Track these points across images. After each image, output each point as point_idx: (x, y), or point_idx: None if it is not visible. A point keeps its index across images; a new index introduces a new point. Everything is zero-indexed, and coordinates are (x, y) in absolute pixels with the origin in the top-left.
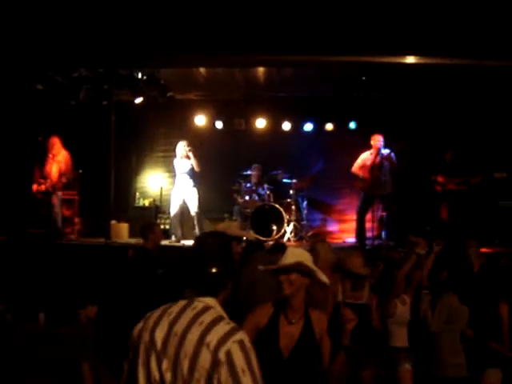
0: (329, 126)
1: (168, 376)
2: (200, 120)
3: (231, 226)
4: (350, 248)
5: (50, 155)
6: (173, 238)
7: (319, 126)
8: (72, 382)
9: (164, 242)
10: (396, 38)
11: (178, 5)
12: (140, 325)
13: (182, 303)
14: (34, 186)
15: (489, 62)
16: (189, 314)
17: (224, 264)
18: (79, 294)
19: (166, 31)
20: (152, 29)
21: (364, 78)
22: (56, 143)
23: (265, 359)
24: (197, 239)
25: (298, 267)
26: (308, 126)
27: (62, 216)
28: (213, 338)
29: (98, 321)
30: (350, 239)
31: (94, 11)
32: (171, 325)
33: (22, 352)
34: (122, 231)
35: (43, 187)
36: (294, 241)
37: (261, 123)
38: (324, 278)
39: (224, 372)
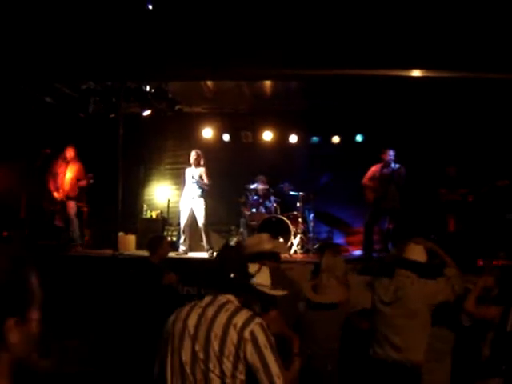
0: (335, 139)
1: (201, 355)
2: (207, 133)
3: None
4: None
5: (65, 165)
6: (180, 250)
7: (326, 139)
8: None
9: (171, 254)
10: (402, 52)
11: (186, 19)
12: (172, 318)
13: (207, 299)
14: (55, 194)
15: (494, 75)
16: (215, 305)
17: (239, 270)
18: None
19: (174, 45)
20: (160, 42)
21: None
22: (72, 153)
23: None
24: (219, 252)
25: None
26: (314, 139)
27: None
28: (238, 320)
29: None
30: (357, 251)
31: (103, 24)
32: (201, 314)
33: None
34: (129, 243)
35: (57, 197)
36: (301, 253)
37: (268, 136)
38: None
39: (249, 347)
